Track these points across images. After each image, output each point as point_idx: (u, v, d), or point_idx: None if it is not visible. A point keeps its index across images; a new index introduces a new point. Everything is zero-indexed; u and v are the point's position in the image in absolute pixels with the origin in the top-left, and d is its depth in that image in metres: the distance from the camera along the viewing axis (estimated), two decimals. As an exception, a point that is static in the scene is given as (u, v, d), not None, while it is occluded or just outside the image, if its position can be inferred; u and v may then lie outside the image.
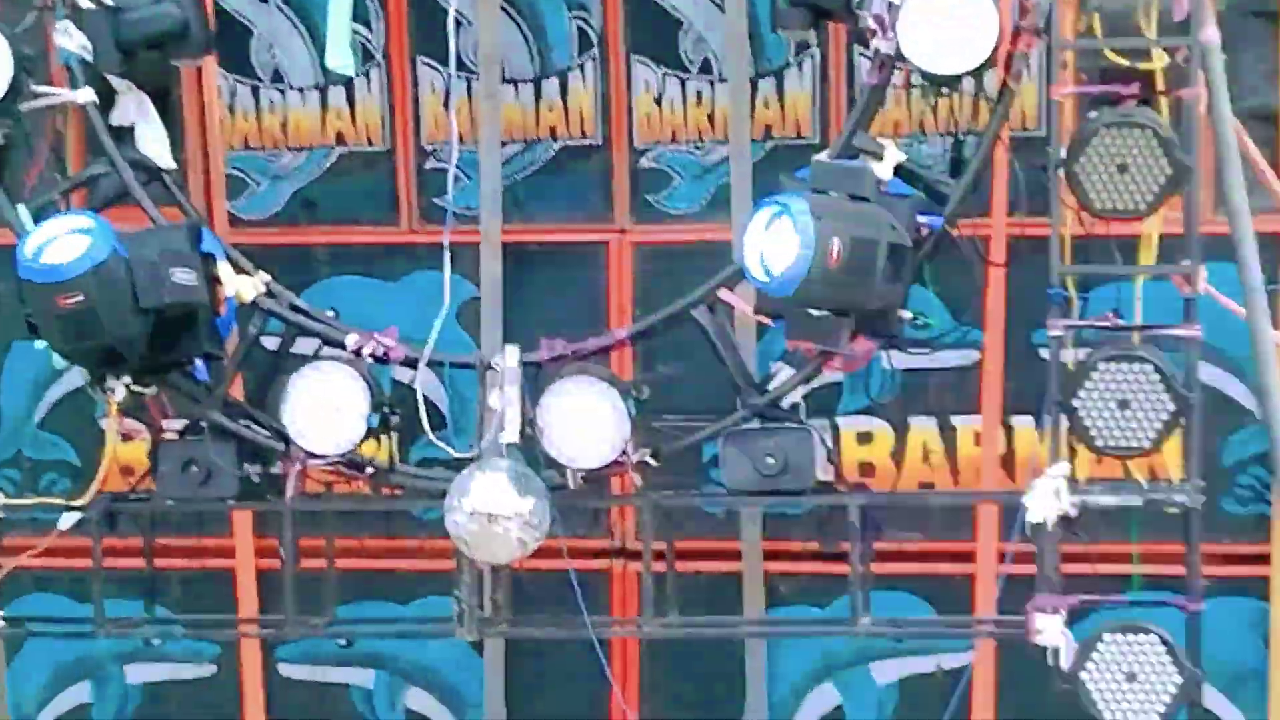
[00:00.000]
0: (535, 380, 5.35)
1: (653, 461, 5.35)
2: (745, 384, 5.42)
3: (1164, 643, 5.00)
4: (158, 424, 5.66)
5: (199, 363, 5.48)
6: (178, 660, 6.70)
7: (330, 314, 5.71)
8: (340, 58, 5.71)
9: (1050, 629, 5.06)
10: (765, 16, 6.15)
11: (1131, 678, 4.98)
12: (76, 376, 5.81)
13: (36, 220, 5.49)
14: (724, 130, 6.40)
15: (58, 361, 5.46)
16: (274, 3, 6.53)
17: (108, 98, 5.66)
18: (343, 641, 6.21)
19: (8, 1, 5.87)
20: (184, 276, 5.16)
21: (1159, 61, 5.18)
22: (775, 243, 4.80)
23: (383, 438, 5.52)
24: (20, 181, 5.73)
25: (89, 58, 5.48)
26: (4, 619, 5.88)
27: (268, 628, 6.21)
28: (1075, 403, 4.97)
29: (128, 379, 5.40)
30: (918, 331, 5.31)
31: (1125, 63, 5.17)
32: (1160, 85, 5.19)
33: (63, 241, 5.11)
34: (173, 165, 5.79)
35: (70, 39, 5.45)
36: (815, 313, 4.96)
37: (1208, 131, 5.38)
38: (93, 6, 5.44)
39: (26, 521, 5.78)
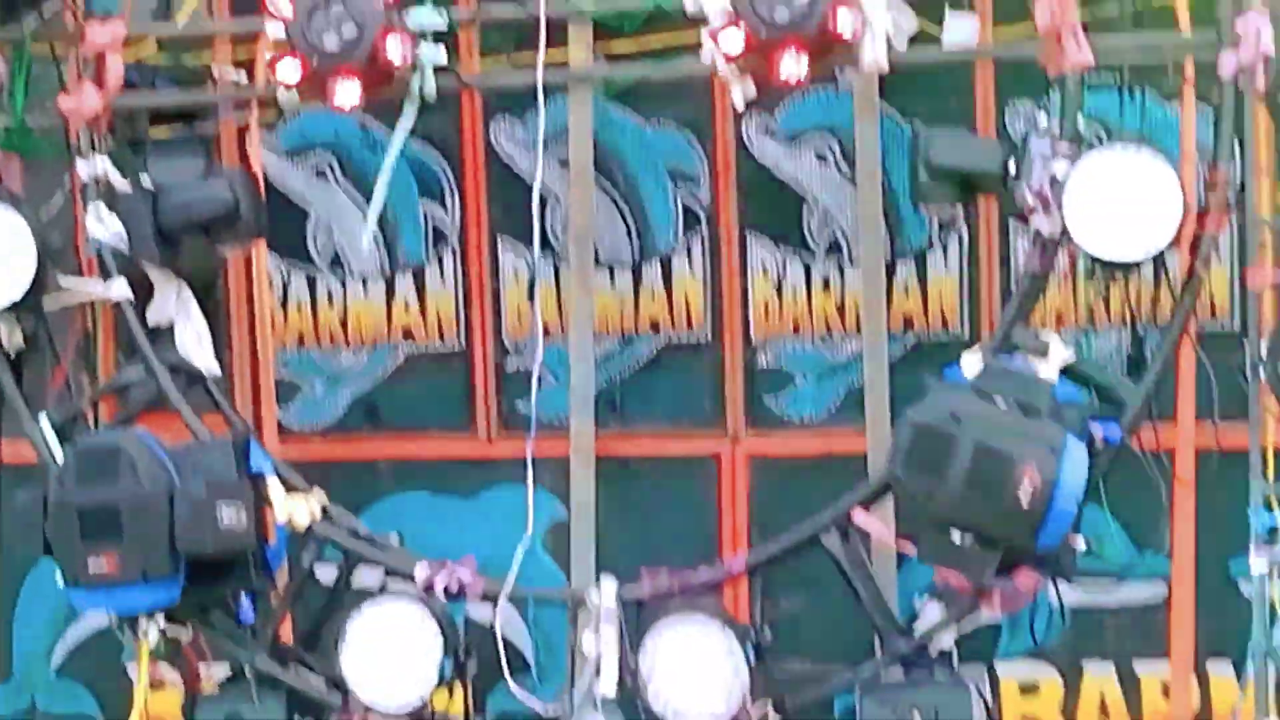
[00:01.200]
0: (635, 620, 5.26)
1: (776, 717, 5.18)
2: (885, 624, 5.31)
3: None
4: (195, 672, 5.63)
5: (244, 600, 5.40)
6: None
7: (395, 539, 5.62)
8: (368, 236, 5.82)
9: None
10: (904, 189, 6.16)
11: None
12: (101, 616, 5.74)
13: (60, 432, 5.49)
14: (855, 322, 6.37)
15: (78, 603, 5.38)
16: (334, 179, 6.60)
17: (144, 290, 5.65)
18: None
19: (32, 177, 5.92)
20: (231, 517, 5.13)
21: (1375, 243, 5.16)
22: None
23: (457, 687, 5.45)
24: (43, 387, 5.77)
25: (124, 246, 5.50)
26: None
27: None
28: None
29: (161, 619, 5.34)
30: (1092, 562, 5.15)
31: (1332, 244, 5.16)
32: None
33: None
34: (216, 370, 5.80)
35: (103, 225, 5.49)
36: (966, 541, 4.83)
37: None
38: (128, 189, 5.48)
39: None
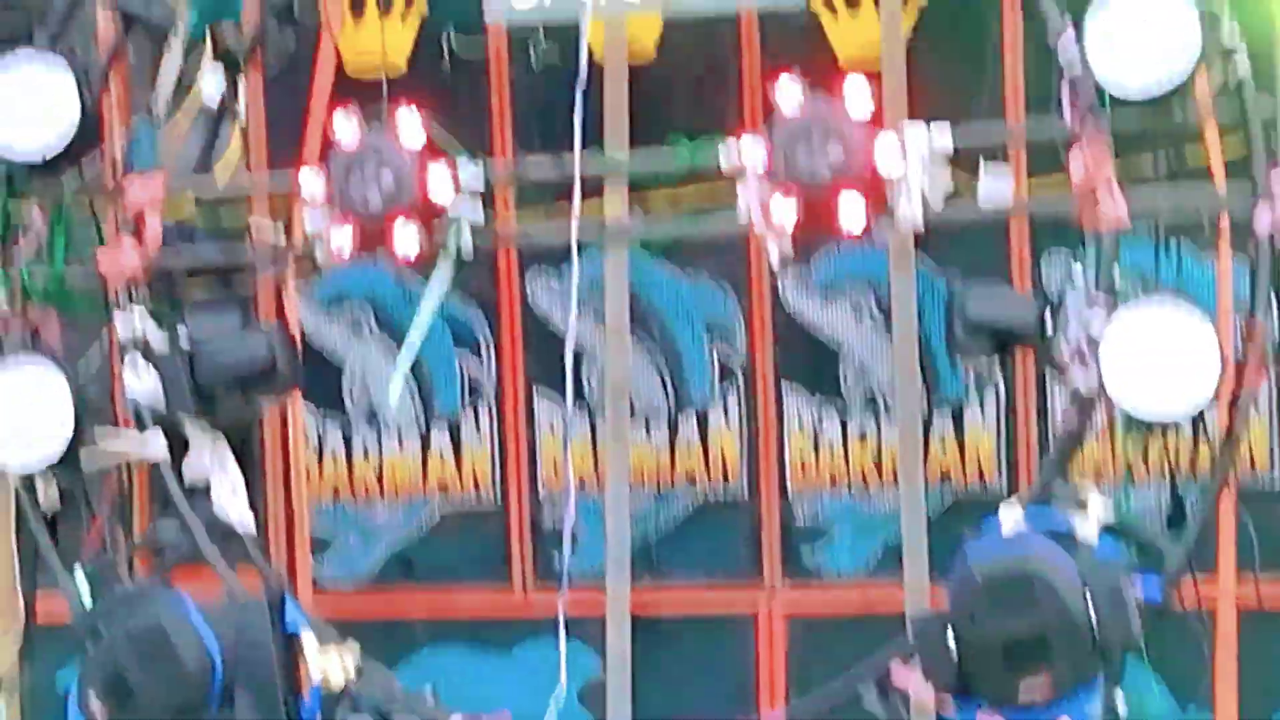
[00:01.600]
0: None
1: None
2: None
3: None
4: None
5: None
6: None
7: (430, 694, 5.57)
8: (395, 391, 5.76)
9: None
10: (940, 343, 6.17)
11: None
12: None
13: (95, 592, 5.47)
14: (893, 476, 6.36)
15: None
16: (369, 332, 6.63)
17: (180, 445, 5.66)
18: None
19: (70, 333, 5.96)
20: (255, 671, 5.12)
21: None
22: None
23: None
24: (78, 542, 5.74)
25: (160, 402, 5.52)
26: None
27: None
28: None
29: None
30: (1135, 718, 5.10)
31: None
32: None
33: None
34: (251, 525, 5.79)
35: (140, 381, 5.50)
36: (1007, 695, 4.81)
37: None
38: (165, 345, 5.50)
39: None
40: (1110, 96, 4.95)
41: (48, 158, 5.54)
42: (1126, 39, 4.91)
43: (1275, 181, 4.95)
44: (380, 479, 6.73)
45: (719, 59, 6.37)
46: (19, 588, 6.02)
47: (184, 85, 5.74)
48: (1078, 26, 4.98)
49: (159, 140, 5.71)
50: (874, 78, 5.72)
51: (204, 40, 5.71)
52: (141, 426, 5.60)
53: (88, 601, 5.40)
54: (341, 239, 5.36)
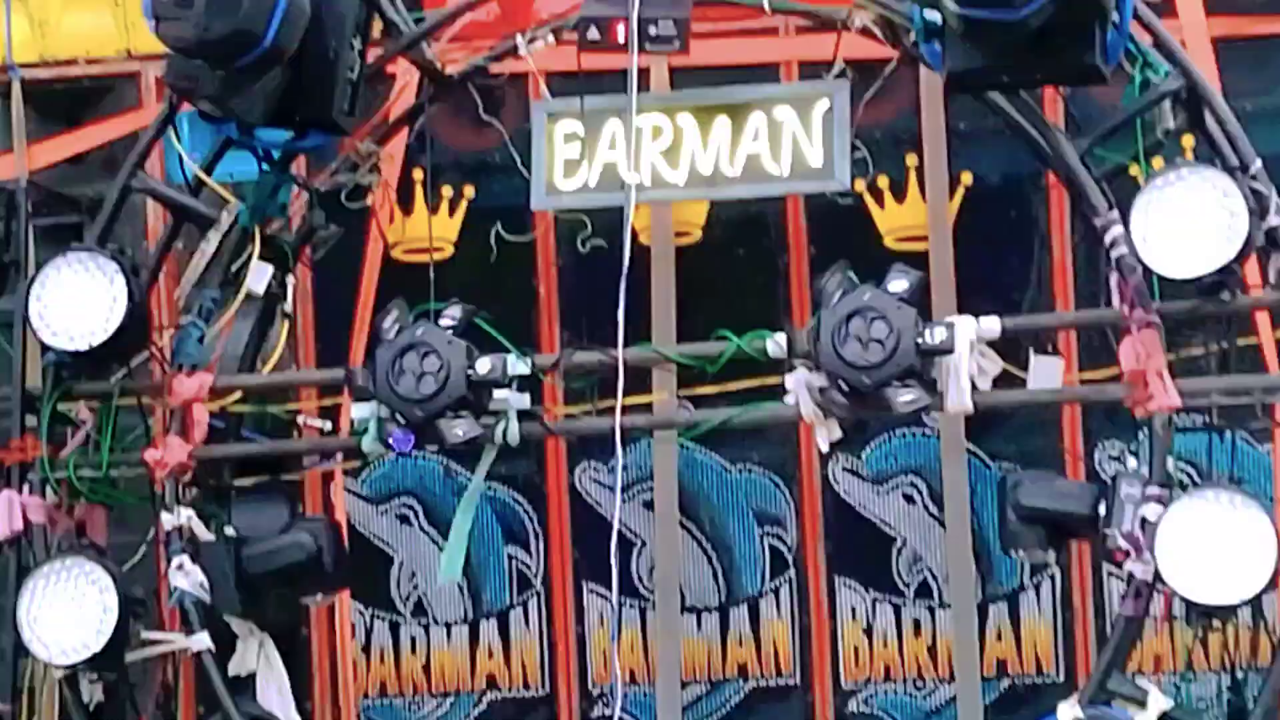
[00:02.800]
0: None
1: None
2: None
3: None
4: None
5: None
6: None
7: None
8: (451, 567, 5.75)
9: None
10: (994, 531, 6.16)
11: None
12: None
13: None
14: (948, 666, 6.32)
15: None
16: (418, 526, 6.64)
17: (226, 640, 5.65)
18: None
19: (116, 527, 6.02)
20: None
21: None
22: None
23: None
24: None
25: (206, 597, 5.52)
26: None
27: None
28: None
29: None
30: None
31: None
32: None
33: None
34: None
35: (186, 576, 5.51)
36: None
37: None
38: (211, 539, 5.52)
39: None
40: (1160, 281, 4.98)
41: (95, 348, 5.60)
42: (1173, 222, 4.94)
43: (1326, 367, 4.97)
44: (428, 673, 6.71)
45: (766, 242, 6.39)
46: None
47: (233, 279, 5.80)
48: (1124, 213, 5.02)
49: (207, 334, 5.77)
50: (921, 263, 5.82)
51: (253, 234, 5.79)
52: (187, 622, 5.61)
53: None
54: (403, 442, 5.40)
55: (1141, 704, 4.92)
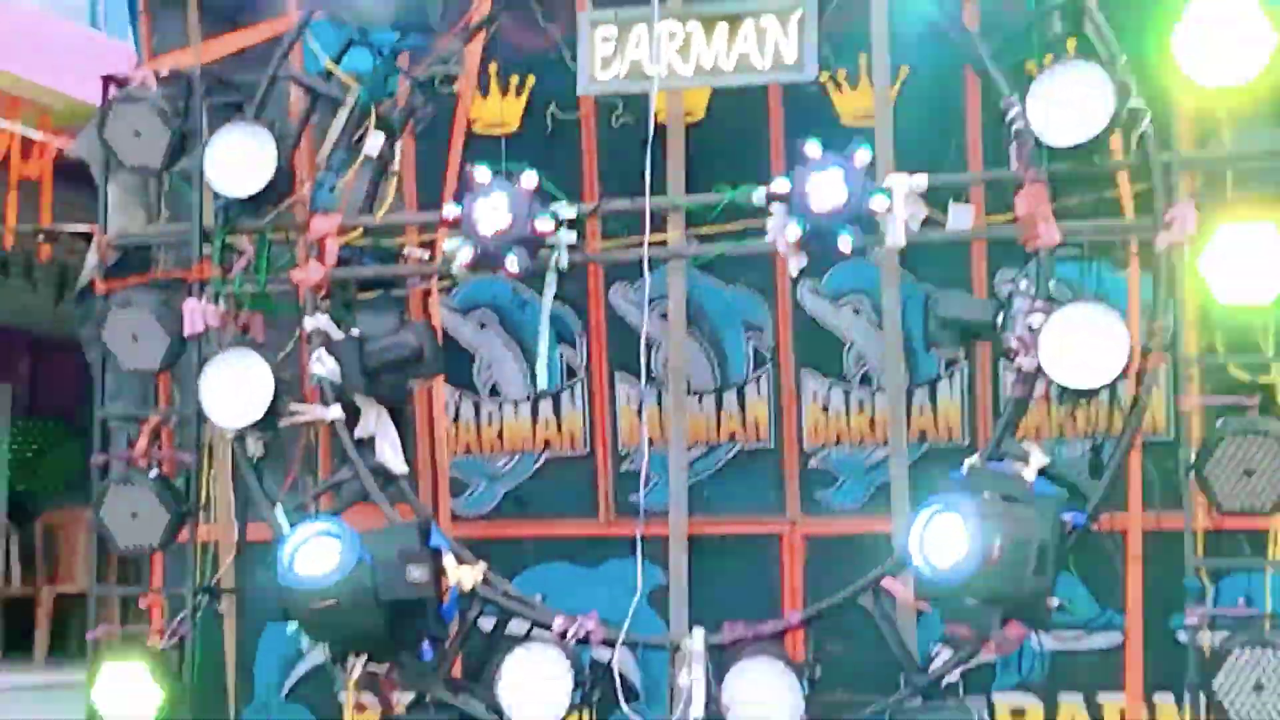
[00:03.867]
0: (719, 660, 5.23)
1: (825, 736, 5.14)
2: (908, 664, 5.28)
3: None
4: (389, 699, 5.63)
5: (425, 644, 5.42)
6: None
7: (538, 599, 5.64)
8: (544, 376, 5.86)
9: None
10: (919, 336, 6.20)
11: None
12: (319, 655, 5.80)
13: (291, 520, 5.59)
14: (883, 434, 6.37)
15: (305, 643, 5.44)
16: (492, 330, 6.70)
17: (352, 412, 5.73)
18: None
19: (270, 329, 6.09)
20: (417, 574, 5.19)
21: (1278, 374, 5.13)
22: (940, 540, 4.74)
23: (584, 711, 5.46)
24: (277, 487, 5.83)
25: (337, 380, 5.59)
26: None
27: None
28: (1214, 684, 4.77)
29: (364, 659, 5.37)
30: (1065, 616, 5.12)
31: (1248, 376, 5.13)
32: (1281, 395, 5.15)
33: (315, 547, 5.18)
34: (405, 471, 5.85)
35: (323, 365, 5.59)
36: (971, 601, 4.83)
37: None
38: (341, 337, 5.59)
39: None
40: (1047, 149, 5.00)
41: (252, 195, 5.66)
42: (1058, 104, 4.96)
43: (1170, 213, 4.98)
44: (500, 438, 6.78)
45: (753, 119, 6.35)
46: (235, 519, 6.12)
47: (355, 145, 5.82)
48: (1022, 96, 5.03)
49: (338, 186, 5.81)
50: (870, 136, 5.82)
51: (370, 111, 5.80)
52: (324, 399, 5.70)
53: (286, 529, 5.51)
54: (465, 257, 5.44)
55: (1025, 461, 5.02)
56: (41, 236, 11.53)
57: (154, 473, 5.81)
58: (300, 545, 5.19)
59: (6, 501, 14.60)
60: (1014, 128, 5.10)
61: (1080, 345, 4.90)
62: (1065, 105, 4.92)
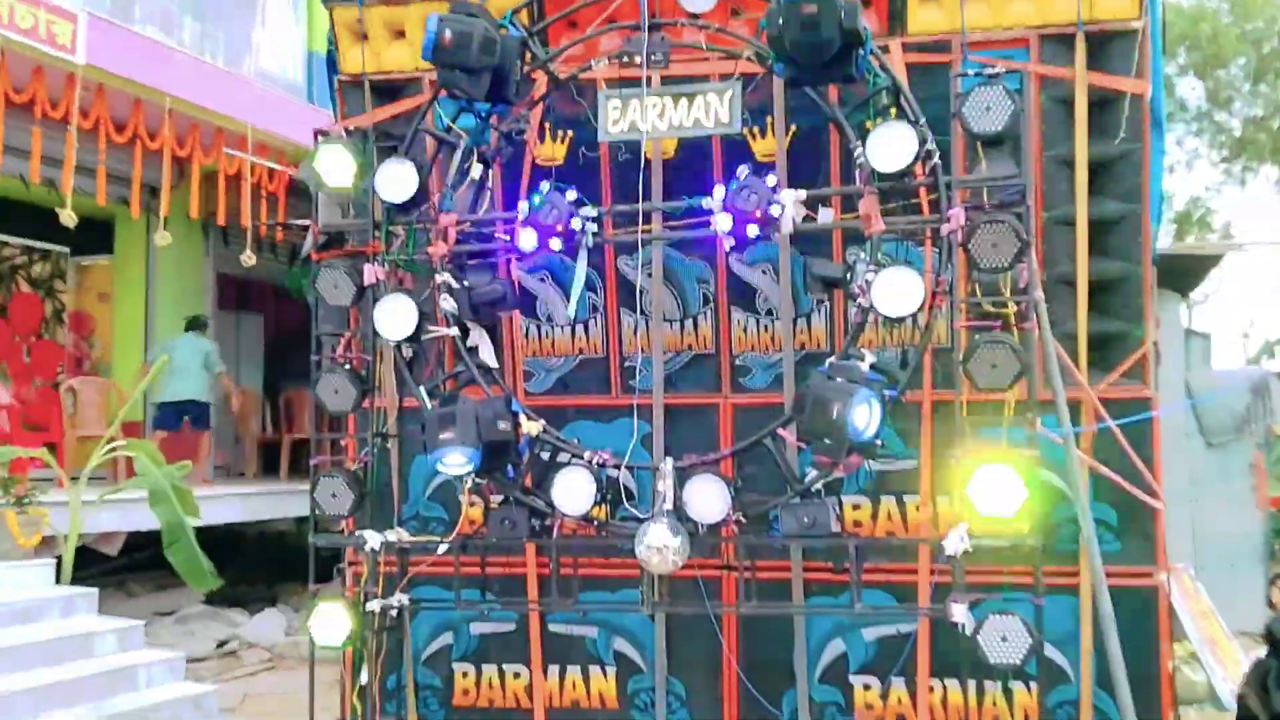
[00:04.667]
0: (681, 477, 5.32)
1: (744, 520, 5.30)
2: (791, 479, 5.39)
3: (1022, 620, 4.86)
4: (487, 499, 5.75)
5: (509, 467, 5.53)
6: (496, 622, 6.74)
7: (576, 442, 5.72)
8: (574, 309, 5.84)
9: (960, 613, 4.95)
10: (802, 285, 6.25)
11: (1005, 639, 4.83)
12: (445, 476, 5.86)
13: (429, 395, 5.64)
14: (779, 345, 6.40)
15: (439, 468, 5.52)
16: (548, 283, 6.73)
17: (465, 331, 5.82)
18: (582, 613, 6.26)
19: (416, 281, 6.06)
20: (503, 426, 5.30)
21: (1013, 308, 5.21)
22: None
23: (603, 506, 5.52)
24: (420, 376, 5.89)
25: (455, 311, 5.67)
26: (410, 600, 5.94)
27: (545, 605, 6.21)
28: (970, 490, 4.91)
29: (474, 475, 5.48)
30: (884, 451, 5.25)
31: (994, 309, 5.20)
32: (1013, 321, 5.22)
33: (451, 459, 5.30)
34: (496, 365, 5.96)
35: (448, 303, 5.67)
36: (829, 441, 4.90)
37: (1039, 345, 5.39)
38: (458, 287, 5.65)
39: (420, 549, 5.86)
40: (877, 173, 5.05)
41: (403, 201, 5.68)
42: (884, 146, 5.00)
43: (950, 213, 5.06)
44: (553, 345, 6.78)
45: (703, 156, 6.29)
46: (395, 394, 6.21)
47: (464, 172, 5.84)
48: (864, 141, 5.07)
49: (454, 197, 5.86)
50: (772, 167, 5.85)
51: (474, 151, 5.83)
52: (448, 323, 5.76)
53: (428, 402, 5.60)
54: (528, 242, 5.50)
55: (863, 360, 5.09)
56: (279, 228, 11.61)
57: (348, 366, 5.86)
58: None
59: (263, 384, 14.73)
60: (858, 161, 5.14)
61: (895, 291, 4.95)
62: (888, 147, 4.99)
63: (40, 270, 13.14)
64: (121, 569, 11.00)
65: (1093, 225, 5.99)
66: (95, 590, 7.56)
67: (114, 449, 9.29)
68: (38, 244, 12.89)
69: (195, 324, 12.10)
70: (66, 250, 13.22)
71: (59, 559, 7.89)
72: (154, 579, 11.48)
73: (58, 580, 7.66)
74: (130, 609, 10.66)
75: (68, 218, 9.30)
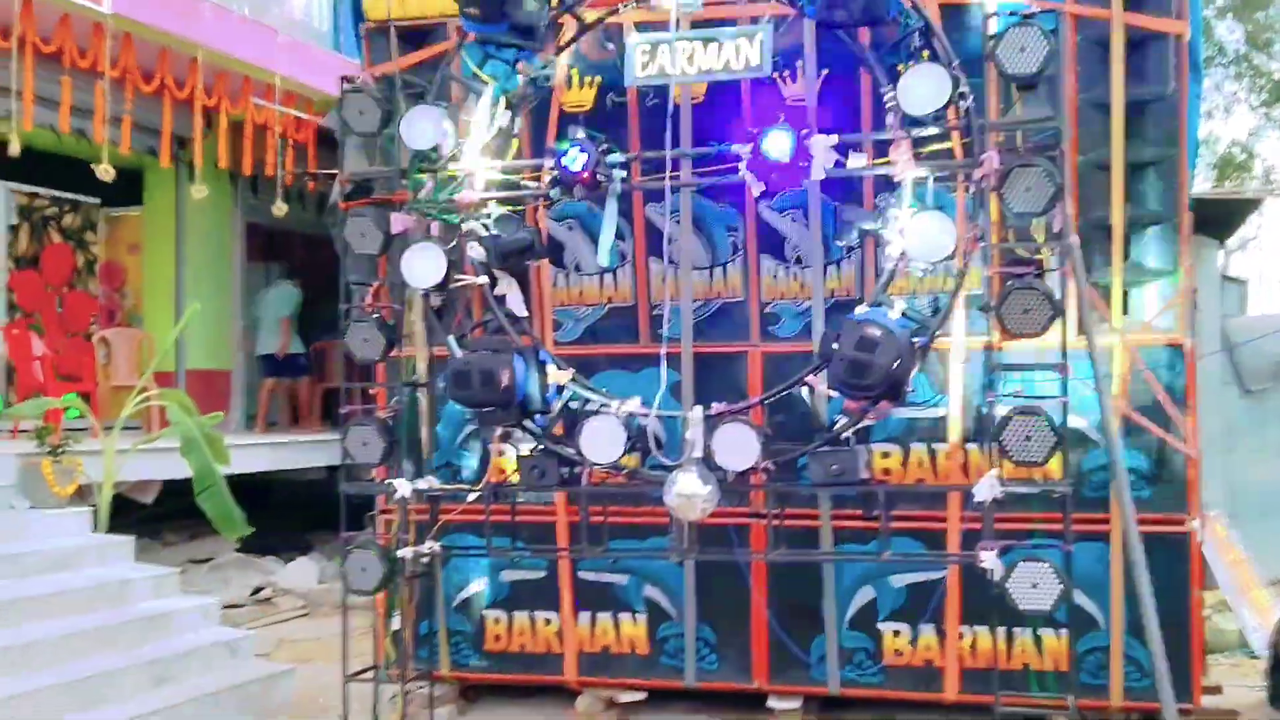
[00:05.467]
0: (710, 425, 5.28)
1: (773, 468, 5.27)
2: (821, 427, 5.37)
3: (1052, 567, 4.85)
4: (518, 447, 5.74)
5: (538, 417, 5.54)
6: (527, 570, 6.79)
7: (605, 391, 5.69)
8: (605, 258, 5.75)
9: (990, 560, 4.95)
10: (831, 232, 6.21)
11: (1035, 586, 4.83)
12: (475, 423, 5.93)
13: (458, 345, 5.62)
14: (808, 292, 6.39)
15: (469, 416, 5.54)
16: (576, 231, 6.72)
17: (493, 280, 5.79)
18: (613, 560, 6.30)
19: (445, 230, 5.96)
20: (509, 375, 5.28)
21: (1046, 253, 5.16)
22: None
23: (633, 454, 5.50)
24: (450, 324, 5.86)
25: (484, 260, 5.65)
26: (443, 546, 6.00)
27: (575, 552, 6.25)
28: (1002, 437, 4.88)
29: (503, 424, 5.49)
30: (913, 397, 5.21)
31: (1027, 254, 5.15)
32: (1047, 266, 5.18)
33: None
34: (526, 314, 5.93)
35: (476, 251, 5.65)
36: (860, 388, 4.88)
37: (1073, 290, 5.34)
38: (486, 235, 5.63)
39: (451, 497, 5.90)
40: (908, 117, 4.96)
41: (432, 148, 5.63)
42: (916, 89, 4.91)
43: (983, 157, 4.98)
44: (581, 295, 6.77)
45: (733, 100, 6.24)
46: (425, 344, 6.23)
47: (492, 119, 5.80)
48: (895, 85, 4.98)
49: (481, 145, 5.79)
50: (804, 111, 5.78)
51: (500, 98, 5.78)
52: (476, 272, 5.75)
53: (457, 351, 5.59)
54: (559, 193, 5.46)
55: (893, 307, 5.04)
56: (308, 177, 11.61)
57: (376, 316, 5.84)
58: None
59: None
60: (890, 104, 5.05)
61: (927, 237, 4.88)
62: (921, 90, 4.89)
63: (71, 221, 13.21)
64: (157, 517, 11.16)
65: (1129, 169, 5.95)
66: (131, 538, 7.66)
67: (147, 399, 9.40)
68: (68, 195, 12.96)
69: (284, 274, 12.62)
70: (97, 201, 13.27)
71: (95, 507, 8.02)
72: (189, 528, 11.65)
73: (94, 528, 7.78)
74: (166, 557, 10.84)
75: (105, 171, 9.34)
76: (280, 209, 11.20)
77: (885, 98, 5.07)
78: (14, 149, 8.77)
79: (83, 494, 8.15)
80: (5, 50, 8.83)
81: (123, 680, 6.03)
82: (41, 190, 12.71)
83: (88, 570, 7.06)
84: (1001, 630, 6.01)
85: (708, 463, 5.19)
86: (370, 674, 5.94)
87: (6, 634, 5.94)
